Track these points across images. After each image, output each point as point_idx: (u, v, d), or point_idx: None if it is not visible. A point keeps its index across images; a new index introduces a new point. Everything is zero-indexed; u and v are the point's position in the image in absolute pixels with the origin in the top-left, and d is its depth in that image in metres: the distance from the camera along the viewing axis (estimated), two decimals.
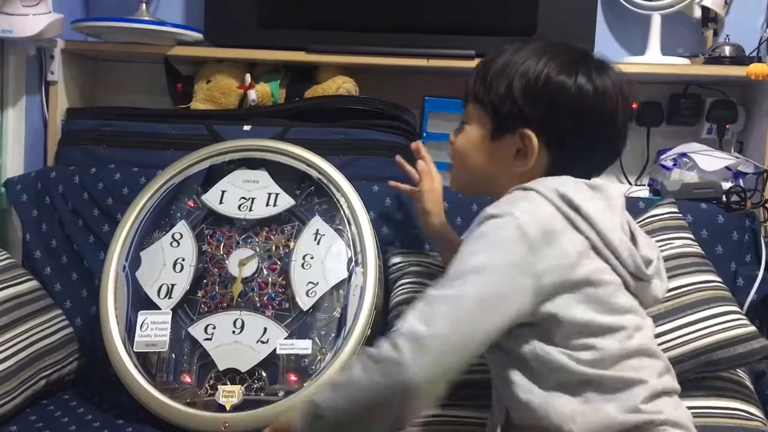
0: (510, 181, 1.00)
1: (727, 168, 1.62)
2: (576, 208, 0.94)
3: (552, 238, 0.90)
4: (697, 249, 1.34)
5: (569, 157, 1.00)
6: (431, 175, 1.37)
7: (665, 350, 1.16)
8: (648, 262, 0.99)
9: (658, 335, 1.16)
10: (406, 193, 1.42)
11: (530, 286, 0.88)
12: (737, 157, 1.65)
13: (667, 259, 1.26)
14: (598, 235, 0.94)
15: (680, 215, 1.40)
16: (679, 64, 1.66)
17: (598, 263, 0.94)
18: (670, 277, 1.23)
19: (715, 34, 1.75)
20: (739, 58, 1.64)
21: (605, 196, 0.98)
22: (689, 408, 0.99)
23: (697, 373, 1.20)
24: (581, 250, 0.92)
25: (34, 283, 1.50)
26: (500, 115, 1.01)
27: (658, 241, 1.31)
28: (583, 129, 0.99)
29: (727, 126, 1.71)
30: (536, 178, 0.99)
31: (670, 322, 1.21)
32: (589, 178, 1.02)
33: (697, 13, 1.70)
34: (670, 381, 0.96)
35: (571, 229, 0.93)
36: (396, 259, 1.46)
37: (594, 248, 0.93)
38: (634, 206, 1.46)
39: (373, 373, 0.85)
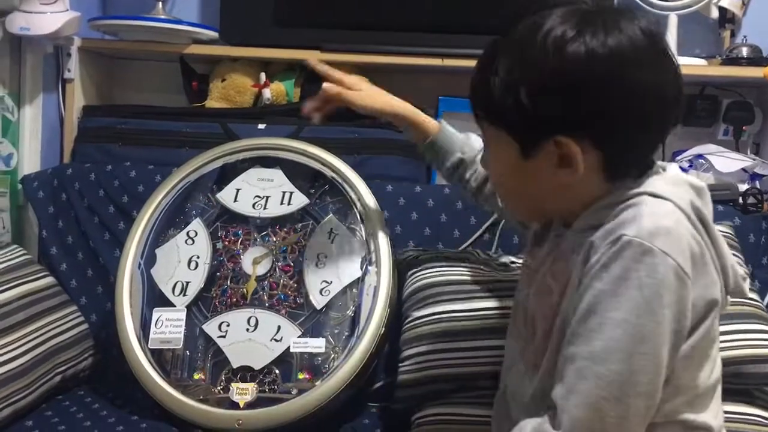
0: (563, 193, 0.87)
1: (744, 170, 1.61)
2: (705, 224, 0.84)
3: (701, 265, 0.81)
4: (746, 271, 1.33)
5: (622, 146, 0.84)
6: (332, 86, 1.24)
7: None
8: (744, 278, 0.90)
9: None
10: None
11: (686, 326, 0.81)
12: (754, 159, 1.64)
13: None
14: (716, 251, 0.84)
15: (736, 239, 1.38)
16: (695, 65, 1.65)
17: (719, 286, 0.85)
18: None
19: (733, 34, 1.74)
20: (757, 59, 1.63)
21: (707, 200, 0.87)
22: None
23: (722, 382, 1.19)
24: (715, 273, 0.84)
25: (50, 280, 1.51)
26: (521, 131, 0.85)
27: None
28: (619, 107, 0.81)
29: (743, 127, 1.70)
30: (590, 179, 0.85)
31: None
32: (651, 157, 0.88)
33: (715, 13, 1.69)
34: (722, 415, 0.93)
35: (706, 250, 0.83)
36: (405, 255, 1.46)
37: (716, 269, 0.84)
38: None
39: None
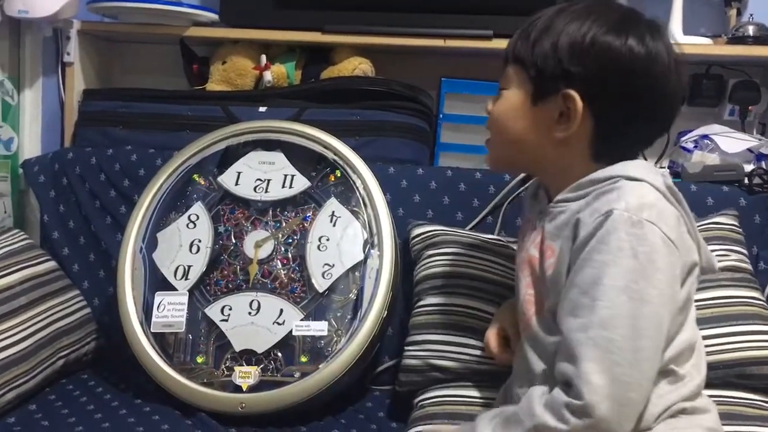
0: (551, 149, 0.96)
1: (750, 150, 1.59)
2: (679, 200, 0.93)
3: (680, 233, 0.89)
4: (749, 266, 1.32)
5: (614, 126, 0.94)
6: None
7: None
8: (713, 254, 0.99)
9: None
10: None
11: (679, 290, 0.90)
12: (760, 139, 1.62)
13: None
14: (692, 228, 0.94)
15: (740, 228, 1.37)
16: (701, 44, 1.63)
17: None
18: (717, 288, 1.24)
19: (739, 13, 1.71)
20: (763, 38, 1.61)
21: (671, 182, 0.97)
22: (711, 396, 1.02)
23: (726, 383, 1.18)
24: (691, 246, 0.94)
25: (52, 264, 1.50)
26: (543, 75, 0.94)
27: (715, 250, 1.29)
28: (631, 95, 0.92)
29: (749, 107, 1.68)
30: (578, 146, 0.95)
31: (709, 329, 1.20)
32: (637, 152, 0.99)
33: None
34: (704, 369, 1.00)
35: (682, 221, 0.92)
36: (419, 230, 1.45)
37: (692, 238, 0.94)
38: None
39: None
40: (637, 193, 0.88)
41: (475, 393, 1.23)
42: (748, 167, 1.54)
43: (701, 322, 1.19)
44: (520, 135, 0.99)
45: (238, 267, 1.40)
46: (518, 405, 0.90)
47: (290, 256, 1.40)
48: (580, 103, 0.92)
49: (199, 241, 1.42)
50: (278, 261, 1.40)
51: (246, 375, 1.31)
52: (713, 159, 1.58)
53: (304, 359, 1.31)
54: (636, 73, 0.91)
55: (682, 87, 0.96)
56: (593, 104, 0.92)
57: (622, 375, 0.81)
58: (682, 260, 0.90)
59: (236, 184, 1.47)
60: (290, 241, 1.41)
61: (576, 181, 0.96)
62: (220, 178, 1.48)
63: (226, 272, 1.40)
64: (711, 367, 1.15)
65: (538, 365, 0.96)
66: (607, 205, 0.87)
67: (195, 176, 1.49)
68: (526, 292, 0.99)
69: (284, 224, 1.43)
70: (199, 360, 1.33)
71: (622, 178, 0.90)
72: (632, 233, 0.85)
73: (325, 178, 1.46)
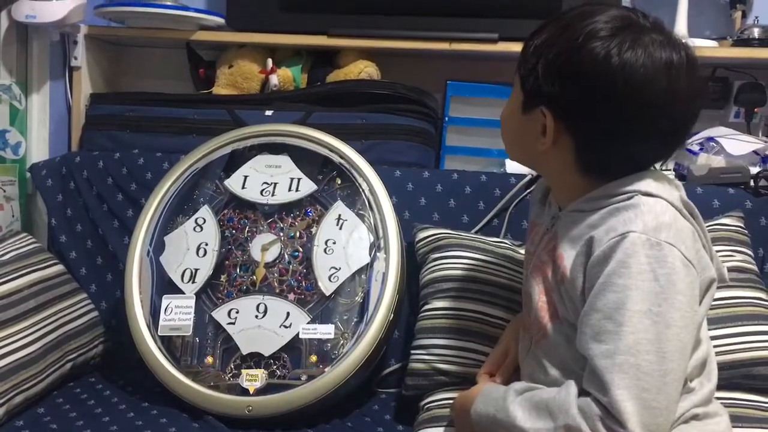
0: (539, 157, 0.97)
1: (755, 152, 1.59)
2: (694, 216, 0.93)
3: (698, 255, 0.89)
4: (754, 267, 1.32)
5: (594, 143, 0.92)
6: None
7: None
8: (724, 265, 0.99)
9: None
10: None
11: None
12: (766, 141, 1.62)
13: None
14: (707, 241, 0.93)
15: (745, 230, 1.37)
16: (706, 47, 1.63)
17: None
18: (723, 288, 1.23)
19: (744, 15, 1.71)
20: None
21: (684, 192, 0.96)
22: (719, 398, 1.01)
23: (732, 385, 1.18)
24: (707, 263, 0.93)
25: (59, 268, 1.51)
26: (526, 88, 0.95)
27: (720, 251, 1.29)
28: (607, 113, 0.89)
29: (755, 109, 1.68)
30: (563, 159, 0.94)
31: (715, 329, 1.19)
32: (644, 165, 0.94)
33: None
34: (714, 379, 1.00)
35: (698, 238, 0.92)
36: (423, 234, 1.45)
37: (708, 254, 0.93)
38: None
39: None
40: (655, 212, 0.87)
41: None
42: (754, 169, 1.54)
43: (707, 322, 1.20)
44: (513, 137, 1.03)
45: (245, 270, 1.40)
46: (550, 394, 0.88)
47: (291, 268, 1.40)
48: (552, 123, 0.92)
49: (206, 244, 1.43)
50: (278, 269, 1.40)
51: (253, 378, 1.31)
52: (719, 161, 1.58)
53: (310, 362, 1.32)
54: (609, 90, 0.87)
55: (685, 95, 0.90)
56: (568, 122, 0.92)
57: (651, 401, 0.81)
58: (700, 278, 0.89)
59: (243, 187, 1.48)
60: (296, 254, 1.42)
61: (572, 190, 0.96)
62: (226, 182, 1.49)
63: (233, 275, 1.40)
64: (717, 368, 1.16)
65: (553, 372, 0.96)
66: (624, 225, 0.86)
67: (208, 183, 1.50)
68: (539, 299, 0.98)
69: (292, 226, 1.44)
70: (206, 363, 1.34)
71: (639, 194, 0.89)
72: (652, 255, 0.84)
73: (331, 182, 1.47)
